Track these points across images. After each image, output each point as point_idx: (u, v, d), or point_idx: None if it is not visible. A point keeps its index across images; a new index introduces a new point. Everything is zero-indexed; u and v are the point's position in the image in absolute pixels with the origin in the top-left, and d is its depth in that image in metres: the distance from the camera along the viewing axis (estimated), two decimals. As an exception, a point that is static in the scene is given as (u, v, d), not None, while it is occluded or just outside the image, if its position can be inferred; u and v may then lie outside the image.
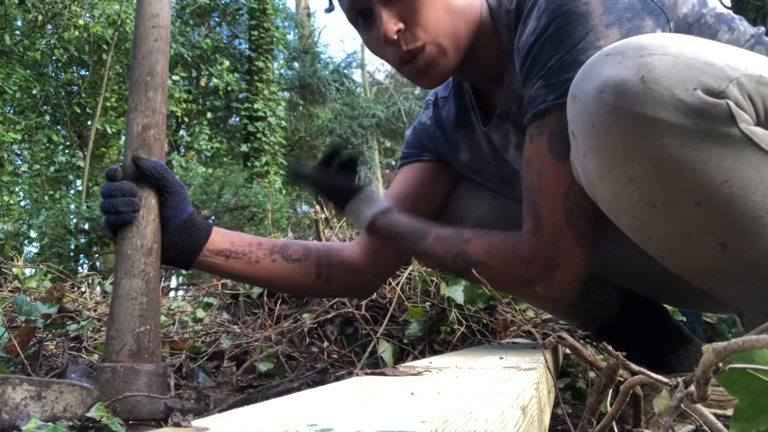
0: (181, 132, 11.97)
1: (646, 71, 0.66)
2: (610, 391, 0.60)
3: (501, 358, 0.91)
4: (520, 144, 1.04)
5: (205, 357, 1.62)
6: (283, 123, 11.15)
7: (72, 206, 8.92)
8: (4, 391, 0.81)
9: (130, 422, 0.86)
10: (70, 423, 0.83)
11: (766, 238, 0.68)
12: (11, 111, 9.62)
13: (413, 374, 0.68)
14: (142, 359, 0.92)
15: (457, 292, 1.56)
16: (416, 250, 1.05)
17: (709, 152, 0.66)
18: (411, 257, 1.44)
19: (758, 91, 0.67)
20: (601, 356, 1.10)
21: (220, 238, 1.10)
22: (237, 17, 12.38)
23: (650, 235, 0.75)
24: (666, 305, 1.27)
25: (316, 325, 1.73)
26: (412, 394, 0.52)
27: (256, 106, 10.68)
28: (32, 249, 9.24)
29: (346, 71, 14.04)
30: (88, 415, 0.82)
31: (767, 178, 0.67)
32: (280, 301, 1.98)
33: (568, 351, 1.36)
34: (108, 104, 9.96)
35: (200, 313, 2.25)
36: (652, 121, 0.66)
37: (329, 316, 1.74)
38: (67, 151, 10.47)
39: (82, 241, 8.68)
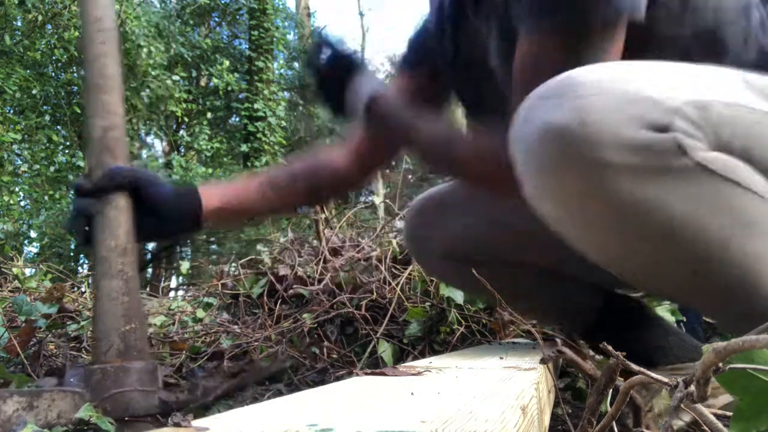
0: (181, 132, 11.97)
1: (586, 114, 0.63)
2: (610, 391, 0.60)
3: (501, 358, 0.91)
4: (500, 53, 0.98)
5: (205, 357, 1.61)
6: (283, 123, 11.15)
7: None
8: (-5, 405, 0.80)
9: (126, 419, 0.86)
10: (65, 428, 0.82)
11: (735, 261, 0.66)
12: (11, 111, 9.62)
13: (413, 374, 0.68)
14: (130, 358, 0.92)
15: (456, 292, 1.56)
16: (408, 138, 1.02)
17: (664, 186, 0.63)
18: (396, 153, 1.40)
19: (702, 116, 0.64)
20: (600, 357, 1.10)
21: (210, 199, 1.12)
22: (237, 17, 12.39)
23: (620, 270, 0.74)
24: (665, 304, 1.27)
25: (316, 325, 1.73)
26: (412, 394, 0.52)
27: (256, 106, 10.68)
28: (32, 249, 9.26)
29: (346, 71, 14.01)
30: (77, 416, 0.82)
31: (728, 203, 0.65)
32: (280, 301, 1.98)
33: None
34: (108, 104, 9.94)
35: (200, 313, 2.25)
36: (600, 163, 0.63)
37: (329, 316, 1.74)
38: (67, 151, 10.47)
39: (82, 241, 8.67)
